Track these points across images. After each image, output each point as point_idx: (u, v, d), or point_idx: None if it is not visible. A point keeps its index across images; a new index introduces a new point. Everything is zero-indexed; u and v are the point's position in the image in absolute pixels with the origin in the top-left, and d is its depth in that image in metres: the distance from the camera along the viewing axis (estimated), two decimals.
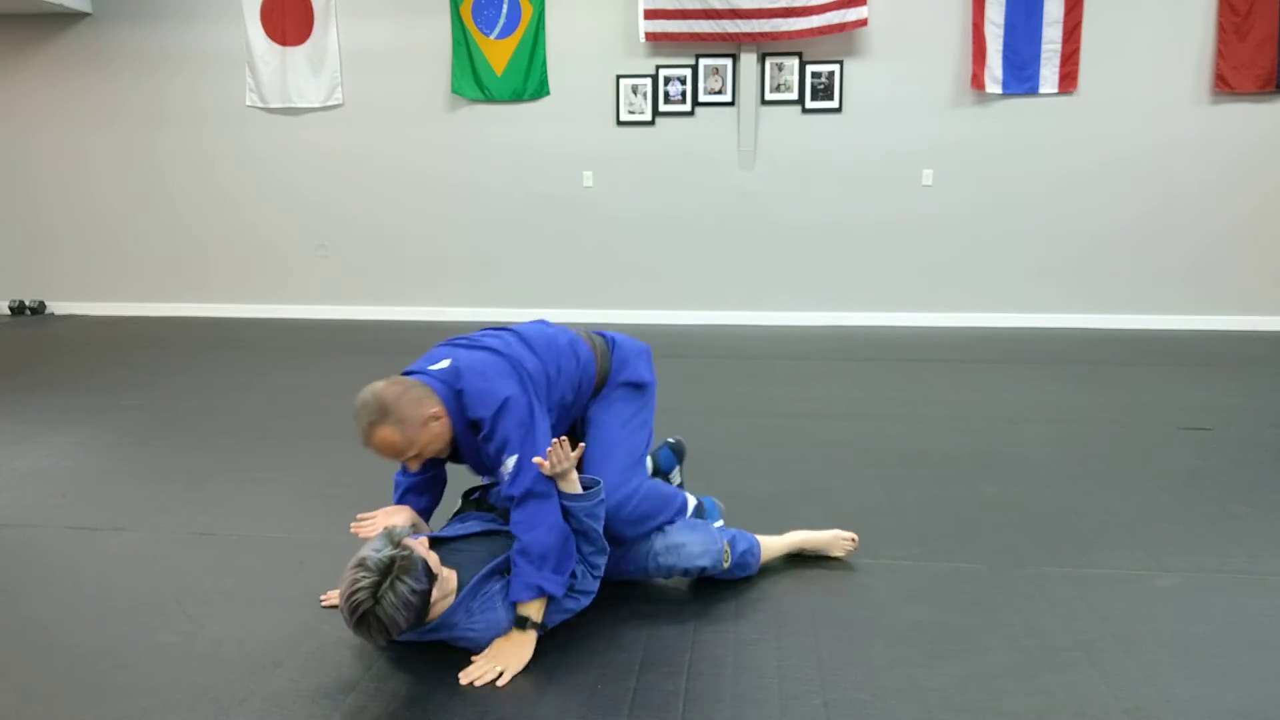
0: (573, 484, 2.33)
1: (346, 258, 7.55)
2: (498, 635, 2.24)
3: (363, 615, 2.04)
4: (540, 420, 2.35)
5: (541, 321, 2.68)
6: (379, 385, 2.28)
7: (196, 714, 2.07)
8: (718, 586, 2.67)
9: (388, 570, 2.05)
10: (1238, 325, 6.84)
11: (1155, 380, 5.20)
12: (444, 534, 2.48)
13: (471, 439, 2.37)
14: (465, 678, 2.18)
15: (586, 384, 2.61)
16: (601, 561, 2.37)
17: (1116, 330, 6.80)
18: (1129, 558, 2.85)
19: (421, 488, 2.62)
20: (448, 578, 2.25)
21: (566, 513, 2.33)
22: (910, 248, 7.03)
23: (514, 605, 2.27)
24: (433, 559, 2.19)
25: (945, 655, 2.29)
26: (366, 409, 2.25)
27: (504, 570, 2.32)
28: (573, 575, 2.32)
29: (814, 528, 3.09)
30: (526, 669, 2.22)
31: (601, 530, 2.35)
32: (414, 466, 2.39)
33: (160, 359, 5.96)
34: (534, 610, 2.27)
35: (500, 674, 2.19)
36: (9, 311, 7.88)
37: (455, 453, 2.47)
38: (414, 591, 2.08)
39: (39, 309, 7.86)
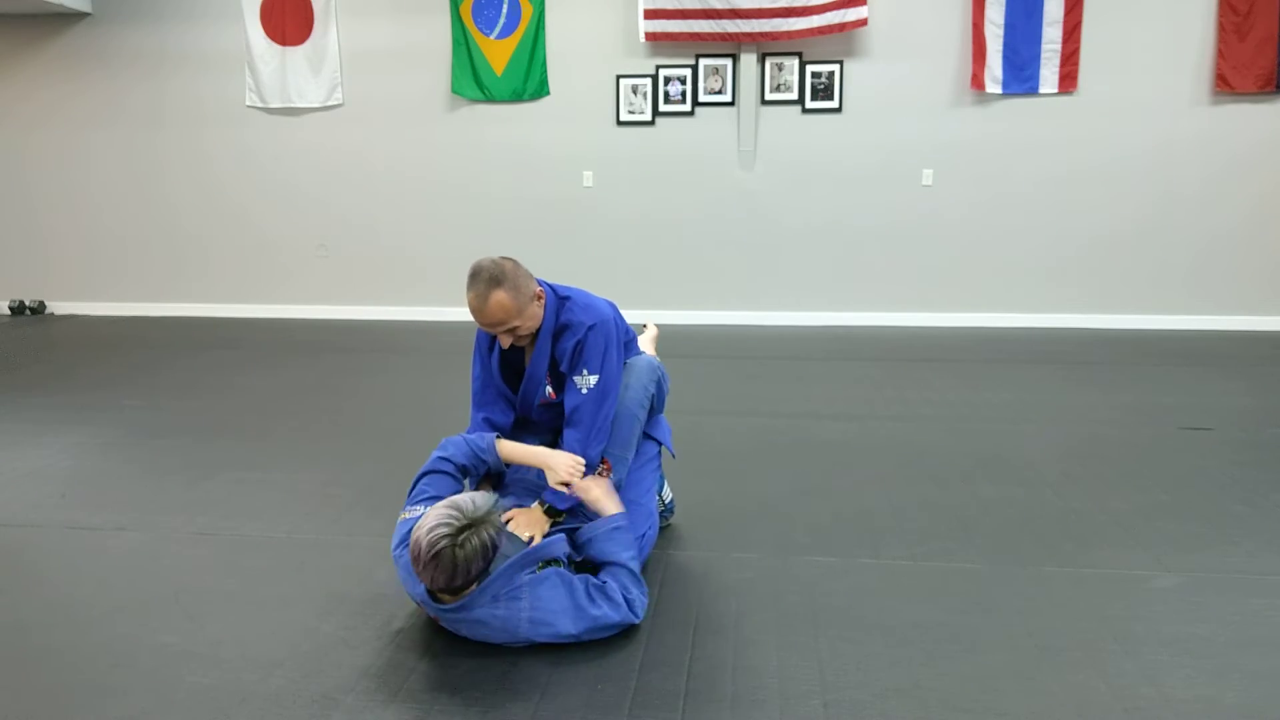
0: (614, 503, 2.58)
1: (346, 258, 7.55)
2: (515, 631, 2.26)
3: (438, 552, 2.13)
4: (620, 355, 2.67)
5: None
6: (495, 257, 2.52)
7: (196, 714, 2.07)
8: (719, 587, 2.67)
9: (479, 520, 2.18)
10: (1238, 325, 6.84)
11: (1155, 380, 5.20)
12: None
13: (547, 346, 2.63)
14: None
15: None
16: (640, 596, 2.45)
17: (1116, 330, 6.80)
18: (1129, 558, 2.85)
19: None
20: None
21: (595, 566, 2.50)
22: (910, 248, 7.03)
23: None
24: None
25: (945, 655, 2.29)
26: (486, 273, 2.47)
27: (532, 565, 2.36)
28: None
29: (814, 528, 3.10)
30: (529, 667, 2.22)
31: (635, 564, 2.49)
32: (506, 342, 2.57)
33: (160, 359, 5.96)
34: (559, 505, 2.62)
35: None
36: (9, 311, 7.88)
37: (513, 375, 2.72)
38: (492, 544, 2.19)
39: (39, 309, 7.86)
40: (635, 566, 2.46)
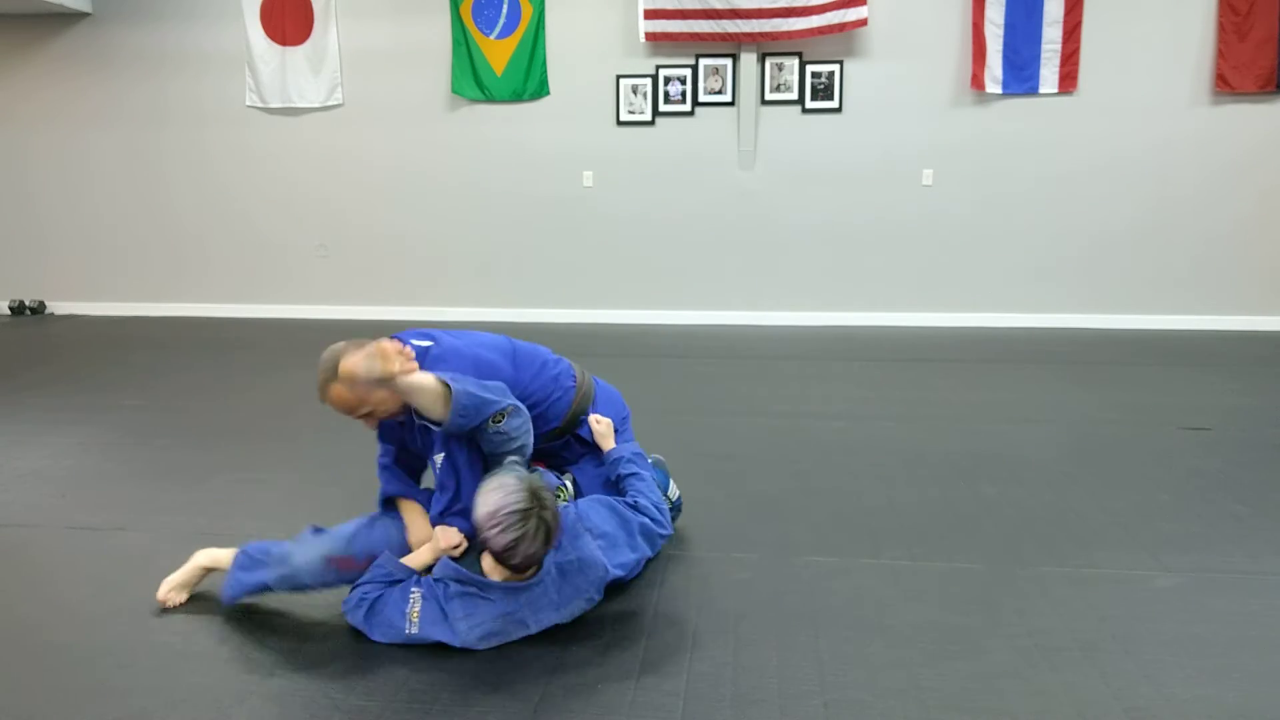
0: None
1: (346, 258, 7.55)
2: (597, 568, 2.39)
3: (525, 519, 2.18)
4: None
5: (544, 349, 2.84)
6: (339, 345, 2.41)
7: (196, 714, 2.07)
8: (719, 587, 2.67)
9: (534, 483, 2.25)
10: (1238, 325, 6.84)
11: (1155, 380, 5.20)
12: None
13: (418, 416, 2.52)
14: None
15: (553, 413, 2.75)
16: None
17: (1116, 330, 6.80)
18: (1129, 558, 2.85)
19: (401, 471, 2.73)
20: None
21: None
22: (910, 248, 7.03)
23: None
24: None
25: (945, 655, 2.29)
26: (323, 366, 2.38)
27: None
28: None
29: (814, 528, 3.10)
30: (529, 668, 2.23)
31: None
32: (369, 425, 2.51)
33: (160, 359, 5.96)
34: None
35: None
36: (9, 311, 7.88)
37: (409, 428, 2.60)
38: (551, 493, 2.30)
39: (39, 309, 7.86)
40: (649, 478, 2.70)
